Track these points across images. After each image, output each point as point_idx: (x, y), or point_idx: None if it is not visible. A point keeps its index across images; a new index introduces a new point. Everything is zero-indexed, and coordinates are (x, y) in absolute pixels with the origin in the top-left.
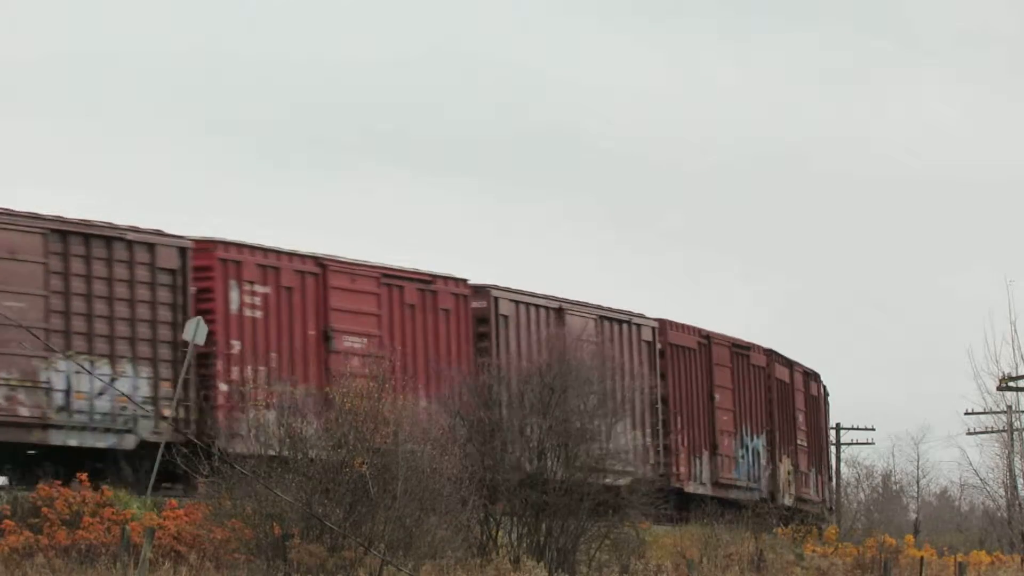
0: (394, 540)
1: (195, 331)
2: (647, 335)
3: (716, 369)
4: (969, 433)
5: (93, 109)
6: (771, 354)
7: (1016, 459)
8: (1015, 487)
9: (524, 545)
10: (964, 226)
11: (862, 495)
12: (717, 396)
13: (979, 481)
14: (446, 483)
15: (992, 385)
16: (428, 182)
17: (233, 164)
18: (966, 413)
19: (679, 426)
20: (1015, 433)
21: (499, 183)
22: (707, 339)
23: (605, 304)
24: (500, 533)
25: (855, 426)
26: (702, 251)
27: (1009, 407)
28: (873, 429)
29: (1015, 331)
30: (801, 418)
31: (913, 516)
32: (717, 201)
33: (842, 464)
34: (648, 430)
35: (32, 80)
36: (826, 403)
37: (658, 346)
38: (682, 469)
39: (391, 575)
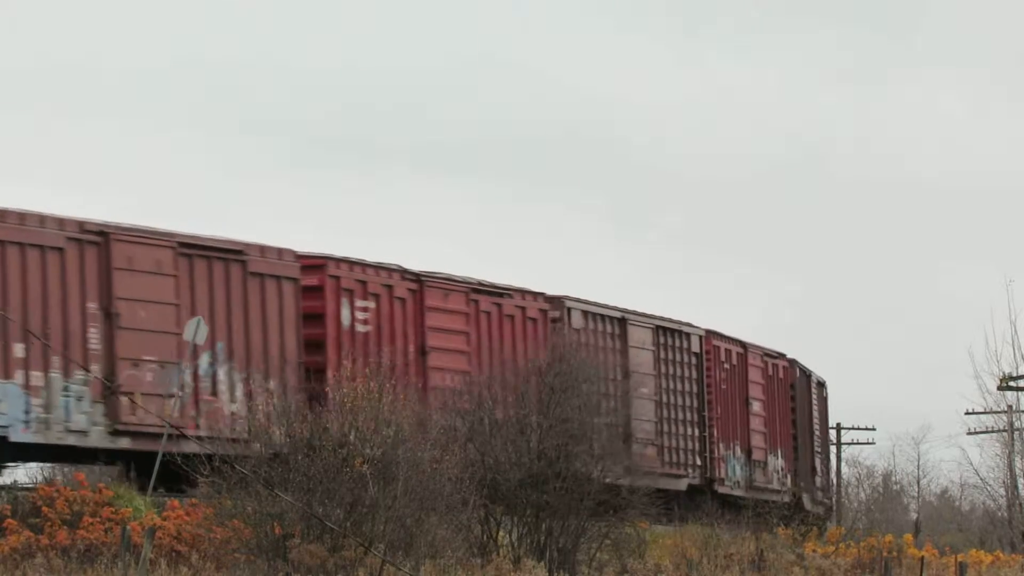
0: (394, 540)
1: (195, 331)
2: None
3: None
4: (969, 433)
5: (119, 111)
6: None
7: (1016, 459)
8: (1015, 487)
9: (524, 545)
10: (964, 226)
11: (862, 495)
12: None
13: (979, 481)
14: (446, 483)
15: (992, 385)
16: (430, 181)
17: (234, 163)
18: (966, 413)
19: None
20: (1015, 433)
21: (502, 183)
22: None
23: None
24: (500, 533)
25: (855, 426)
26: (702, 251)
27: (1010, 407)
28: (873, 429)
29: (1015, 331)
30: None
31: (914, 516)
32: (717, 202)
33: (842, 464)
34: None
35: (64, 82)
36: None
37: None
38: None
39: (391, 575)
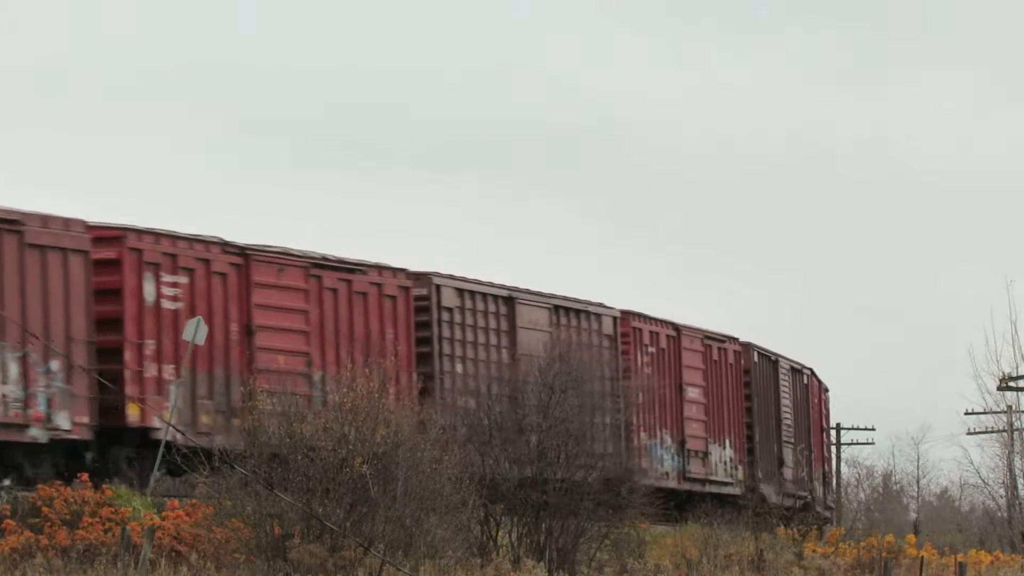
0: (394, 540)
1: (195, 331)
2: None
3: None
4: (969, 433)
5: (125, 111)
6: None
7: (1016, 459)
8: (1015, 487)
9: (524, 545)
10: (964, 226)
11: (862, 495)
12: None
13: (979, 481)
14: (446, 483)
15: (992, 385)
16: (430, 181)
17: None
18: (966, 413)
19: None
20: (1015, 433)
21: (502, 183)
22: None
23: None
24: (500, 533)
25: (855, 426)
26: (702, 251)
27: (1009, 407)
28: (873, 429)
29: (1015, 331)
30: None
31: (913, 516)
32: (718, 201)
33: (842, 464)
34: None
35: (68, 83)
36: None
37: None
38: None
39: (391, 575)
